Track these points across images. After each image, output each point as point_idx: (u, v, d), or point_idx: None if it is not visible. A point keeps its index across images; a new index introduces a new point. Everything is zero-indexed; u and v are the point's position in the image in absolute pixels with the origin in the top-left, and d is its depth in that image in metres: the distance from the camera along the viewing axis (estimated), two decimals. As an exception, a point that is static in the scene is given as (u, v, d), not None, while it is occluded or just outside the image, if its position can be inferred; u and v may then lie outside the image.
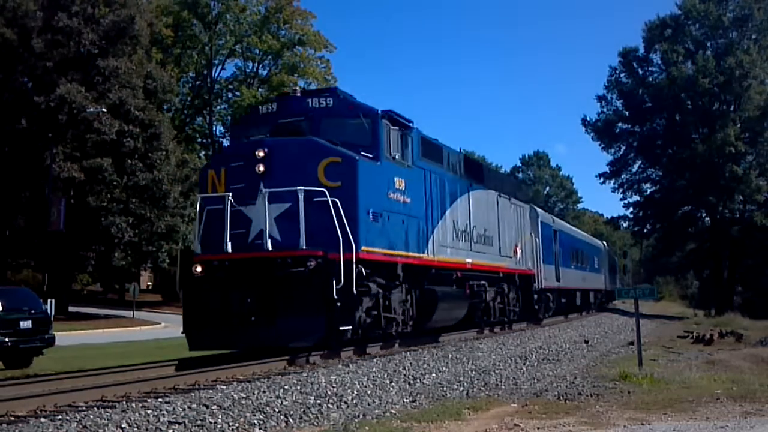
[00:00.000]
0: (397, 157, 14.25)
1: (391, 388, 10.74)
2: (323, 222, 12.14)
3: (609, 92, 54.44)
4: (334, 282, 11.88)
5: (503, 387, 11.43)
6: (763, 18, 49.00)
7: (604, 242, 50.67)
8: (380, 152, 13.66)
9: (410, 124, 15.20)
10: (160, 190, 38.67)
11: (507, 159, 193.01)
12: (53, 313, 25.95)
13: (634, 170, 54.96)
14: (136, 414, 7.70)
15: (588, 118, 55.09)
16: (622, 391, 10.63)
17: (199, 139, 59.43)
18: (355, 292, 12.25)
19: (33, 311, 16.97)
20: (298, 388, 9.81)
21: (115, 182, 37.57)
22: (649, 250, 65.06)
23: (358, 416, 8.60)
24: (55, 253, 36.42)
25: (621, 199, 57.29)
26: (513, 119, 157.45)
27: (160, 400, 8.48)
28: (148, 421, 7.52)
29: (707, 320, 38.44)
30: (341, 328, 12.33)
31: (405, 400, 9.98)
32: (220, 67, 57.80)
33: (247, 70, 58.20)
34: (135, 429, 7.28)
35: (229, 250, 12.49)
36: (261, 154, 12.71)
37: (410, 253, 14.64)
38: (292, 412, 8.55)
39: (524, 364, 14.58)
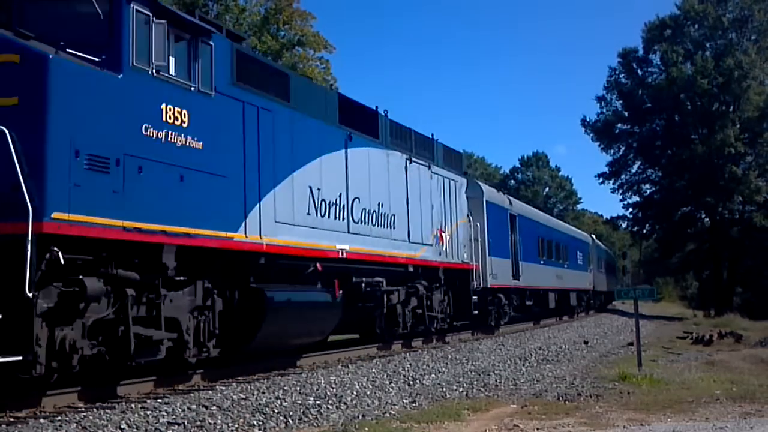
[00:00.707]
0: (173, 73, 9.36)
1: (390, 389, 10.75)
2: None
3: (608, 93, 54.43)
4: None
5: (503, 388, 11.43)
6: (763, 19, 48.99)
7: (593, 235, 46.14)
8: (123, 57, 8.62)
9: (210, 28, 10.19)
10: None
11: (506, 160, 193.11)
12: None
13: (633, 171, 54.93)
14: (136, 415, 7.71)
15: (587, 119, 55.08)
16: (621, 392, 10.64)
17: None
18: (30, 294, 7.22)
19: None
20: (298, 388, 9.82)
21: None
22: (649, 250, 65.04)
23: (358, 417, 8.60)
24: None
25: (620, 200, 57.39)
26: (512, 120, 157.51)
27: (159, 400, 8.49)
28: (147, 421, 7.53)
29: (707, 321, 38.44)
30: None
31: (404, 400, 9.98)
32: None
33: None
34: (134, 430, 7.28)
35: None
36: None
37: (199, 230, 9.47)
38: (291, 413, 8.55)
39: (524, 364, 14.58)
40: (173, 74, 9.38)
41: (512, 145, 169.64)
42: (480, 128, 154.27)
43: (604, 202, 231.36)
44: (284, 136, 11.57)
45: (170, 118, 9.19)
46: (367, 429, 7.78)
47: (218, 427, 7.71)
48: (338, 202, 12.98)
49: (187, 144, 9.42)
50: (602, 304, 45.27)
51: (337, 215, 12.92)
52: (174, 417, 7.76)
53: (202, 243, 9.59)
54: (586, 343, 20.60)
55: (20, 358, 7.28)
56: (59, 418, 7.46)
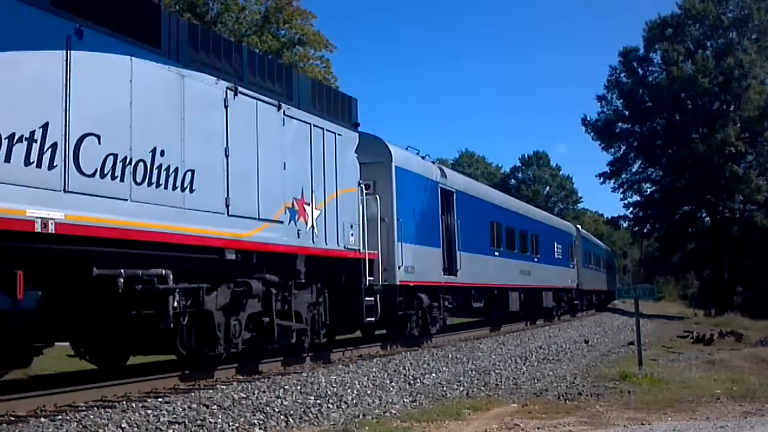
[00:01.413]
0: None
1: (391, 388, 10.75)
2: None
3: (609, 92, 54.48)
4: None
5: (503, 387, 11.44)
6: (763, 18, 49.00)
7: (579, 225, 40.82)
8: None
9: None
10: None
11: (507, 159, 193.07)
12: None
13: (634, 170, 54.97)
14: (136, 414, 7.71)
15: (588, 118, 55.11)
16: (622, 391, 10.63)
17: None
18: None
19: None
20: (298, 388, 9.82)
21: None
22: (649, 249, 65.06)
23: (358, 416, 8.61)
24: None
25: (621, 199, 57.34)
26: (513, 119, 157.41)
27: (160, 400, 8.50)
28: (148, 421, 7.53)
29: (707, 320, 38.45)
30: None
31: (405, 400, 9.98)
32: (220, 67, 57.85)
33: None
34: (135, 429, 7.28)
35: None
36: None
37: None
38: (292, 412, 8.56)
39: (524, 364, 14.60)
40: None
41: (513, 145, 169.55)
42: (480, 127, 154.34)
43: (605, 201, 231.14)
44: None
45: None
46: (367, 428, 7.78)
47: (219, 426, 7.71)
48: (42, 138, 7.70)
49: None
50: (595, 304, 41.46)
51: (39, 159, 7.65)
52: (174, 416, 7.76)
53: None
54: (586, 342, 20.63)
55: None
56: (60, 417, 7.47)
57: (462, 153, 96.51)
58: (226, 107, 10.63)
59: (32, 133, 7.63)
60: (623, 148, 54.49)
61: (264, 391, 9.40)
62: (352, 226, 13.70)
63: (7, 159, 7.33)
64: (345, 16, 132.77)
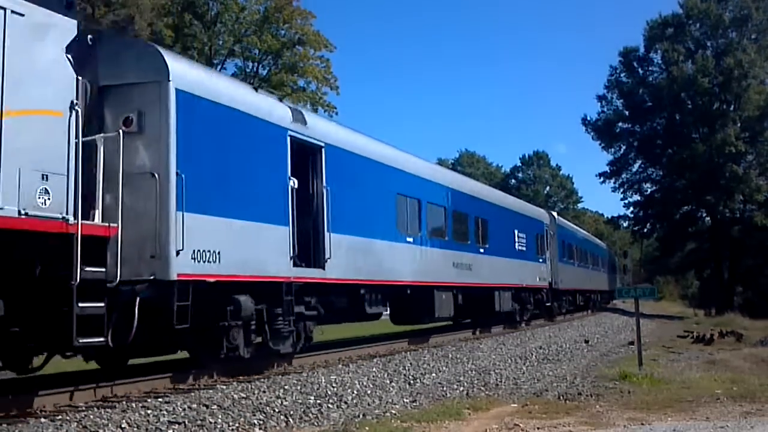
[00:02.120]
0: None
1: (391, 388, 10.75)
2: None
3: (609, 92, 54.53)
4: None
5: (503, 387, 11.43)
6: (762, 18, 49.04)
7: (555, 213, 35.12)
8: None
9: None
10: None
11: (507, 159, 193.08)
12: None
13: (634, 170, 55.02)
14: (136, 414, 7.71)
15: (588, 118, 55.15)
16: (622, 391, 10.63)
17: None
18: None
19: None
20: (298, 388, 9.82)
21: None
22: (650, 249, 65.05)
23: (358, 416, 8.61)
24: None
25: (621, 199, 57.31)
26: (513, 119, 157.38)
27: (160, 400, 8.49)
28: (148, 421, 7.53)
29: (707, 320, 38.43)
30: None
31: (405, 400, 9.98)
32: (220, 66, 57.79)
33: (247, 70, 58.26)
34: (135, 429, 7.28)
35: None
36: None
37: None
38: (292, 412, 8.55)
39: (524, 364, 14.59)
40: None
41: (513, 144, 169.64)
42: (480, 127, 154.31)
43: (605, 201, 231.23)
44: None
45: None
46: (367, 428, 7.77)
47: (219, 426, 7.71)
48: None
49: None
50: (580, 307, 36.53)
51: None
52: (174, 416, 7.75)
53: None
54: (586, 342, 20.63)
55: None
56: (60, 417, 7.46)
57: (462, 153, 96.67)
58: None
59: None
60: (623, 147, 54.53)
61: (264, 391, 9.39)
62: (46, 177, 7.69)
63: None
64: (346, 17, 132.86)
